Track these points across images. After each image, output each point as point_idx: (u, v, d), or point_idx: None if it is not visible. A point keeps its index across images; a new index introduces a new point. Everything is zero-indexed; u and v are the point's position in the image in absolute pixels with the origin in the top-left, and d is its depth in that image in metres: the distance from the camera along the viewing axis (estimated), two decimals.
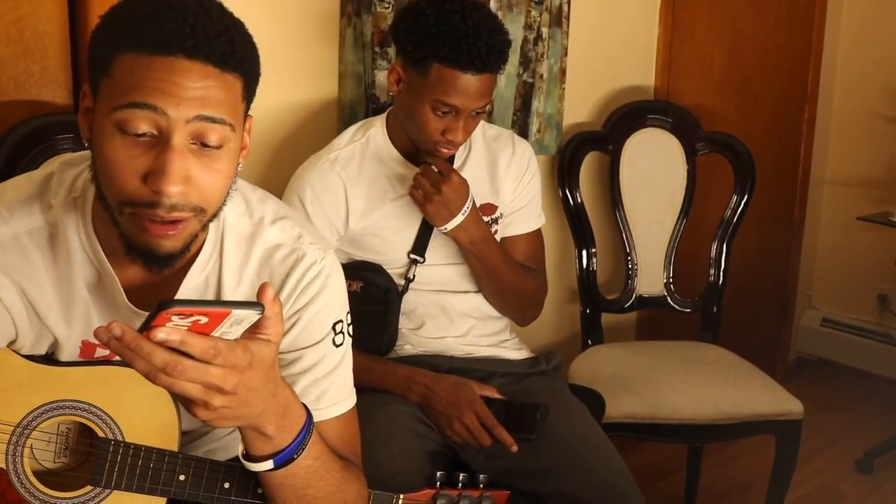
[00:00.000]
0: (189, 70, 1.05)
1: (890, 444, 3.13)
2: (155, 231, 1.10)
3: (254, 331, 1.03)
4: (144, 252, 1.12)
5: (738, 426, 2.36)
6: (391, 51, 2.15)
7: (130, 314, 1.23)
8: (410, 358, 1.99)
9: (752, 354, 2.64)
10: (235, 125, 1.11)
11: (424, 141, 1.85)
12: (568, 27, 2.65)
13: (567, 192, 2.67)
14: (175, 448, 1.25)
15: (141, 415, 1.24)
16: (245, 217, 1.29)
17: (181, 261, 1.18)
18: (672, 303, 2.77)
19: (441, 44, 1.74)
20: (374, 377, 1.90)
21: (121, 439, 1.23)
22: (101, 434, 1.23)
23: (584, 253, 2.69)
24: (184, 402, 1.03)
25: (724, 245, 2.77)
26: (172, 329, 0.95)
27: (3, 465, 1.21)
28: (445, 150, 1.86)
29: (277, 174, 2.04)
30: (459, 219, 1.87)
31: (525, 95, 2.59)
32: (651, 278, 2.77)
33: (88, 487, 1.23)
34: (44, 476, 1.24)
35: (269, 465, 1.15)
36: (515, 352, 2.10)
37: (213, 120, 1.08)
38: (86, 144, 1.15)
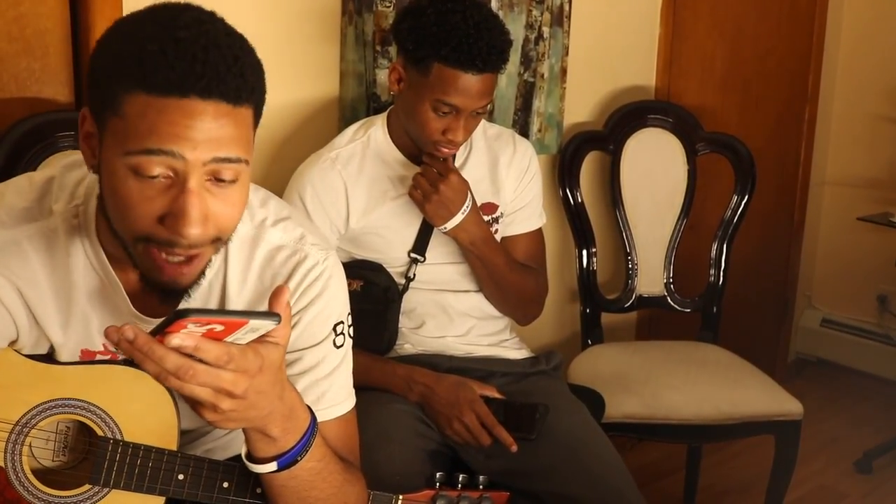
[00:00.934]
0: (203, 112, 1.02)
1: (889, 444, 3.13)
2: (171, 272, 1.10)
3: (263, 334, 1.03)
4: (162, 289, 1.12)
5: (738, 426, 2.36)
6: (392, 50, 2.15)
7: (135, 320, 1.23)
8: (410, 357, 1.99)
9: (751, 355, 2.64)
10: (248, 159, 1.10)
11: (425, 140, 1.85)
12: (569, 27, 2.65)
13: (567, 191, 2.67)
14: (174, 447, 1.25)
15: (140, 414, 1.24)
16: (247, 220, 1.28)
17: None
18: (672, 303, 2.77)
19: (442, 43, 1.74)
20: (374, 376, 1.90)
21: (120, 438, 1.23)
22: (100, 433, 1.23)
23: (585, 252, 2.69)
24: (192, 403, 1.03)
25: (725, 245, 2.77)
26: (187, 335, 0.95)
27: (2, 464, 1.21)
28: (446, 150, 1.86)
29: (278, 172, 2.04)
30: (459, 218, 1.87)
31: (526, 95, 2.59)
32: (651, 278, 2.77)
33: (87, 486, 1.23)
34: (43, 475, 1.24)
35: (272, 466, 1.15)
36: (515, 351, 2.10)
37: (228, 160, 1.06)
38: (90, 171, 1.14)
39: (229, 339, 0.99)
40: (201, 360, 0.97)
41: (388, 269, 1.97)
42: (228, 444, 1.41)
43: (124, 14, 1.26)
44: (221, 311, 1.10)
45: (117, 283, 1.21)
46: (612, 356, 2.57)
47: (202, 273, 1.15)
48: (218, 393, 1.00)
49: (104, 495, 1.24)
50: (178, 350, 0.95)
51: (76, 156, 1.24)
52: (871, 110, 3.60)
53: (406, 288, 1.98)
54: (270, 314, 1.01)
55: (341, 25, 2.18)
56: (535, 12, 2.55)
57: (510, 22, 2.45)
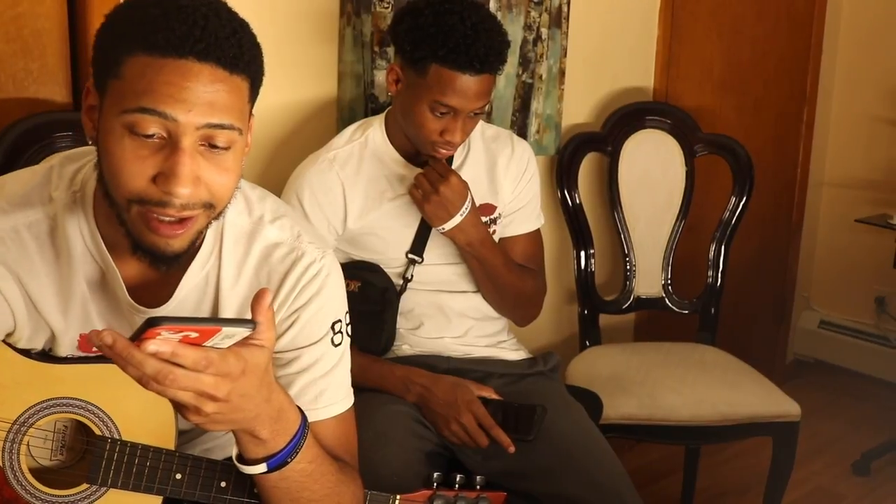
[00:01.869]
0: (199, 74, 1.06)
1: (887, 446, 3.13)
2: (164, 231, 1.11)
3: (247, 337, 1.04)
4: (152, 251, 1.13)
5: (736, 428, 2.36)
6: (390, 50, 2.15)
7: (131, 310, 1.24)
8: (408, 358, 1.99)
9: (749, 356, 2.64)
10: (242, 128, 1.12)
11: (422, 141, 1.85)
12: (567, 28, 2.65)
13: (566, 192, 2.67)
14: (172, 447, 1.25)
15: (138, 413, 1.24)
16: (244, 215, 1.29)
17: (185, 257, 1.18)
18: (670, 304, 2.77)
19: (439, 44, 1.74)
20: (372, 377, 1.90)
21: (118, 437, 1.23)
22: (98, 432, 1.23)
23: (583, 254, 2.69)
24: (176, 406, 1.04)
25: (723, 247, 2.77)
26: (163, 341, 0.96)
27: (0, 463, 1.21)
28: (444, 151, 1.86)
29: (276, 173, 2.04)
30: (457, 219, 1.87)
31: (524, 96, 2.59)
32: (649, 279, 2.77)
33: (85, 485, 1.23)
34: (40, 474, 1.24)
35: (262, 468, 1.16)
36: (513, 352, 2.10)
37: (221, 126, 1.09)
38: (89, 142, 1.16)
39: (207, 344, 0.99)
40: (180, 365, 0.98)
41: (386, 270, 1.97)
42: (226, 443, 1.41)
43: None
44: (194, 318, 1.11)
45: (115, 271, 1.22)
46: (610, 357, 2.57)
47: (194, 242, 1.16)
48: (200, 396, 1.01)
49: (102, 494, 1.24)
50: (156, 356, 0.96)
51: (76, 150, 1.27)
52: (870, 112, 3.60)
53: (404, 289, 1.98)
54: (245, 321, 1.02)
55: (339, 26, 2.18)
56: (533, 13, 2.55)
57: (508, 23, 2.45)
